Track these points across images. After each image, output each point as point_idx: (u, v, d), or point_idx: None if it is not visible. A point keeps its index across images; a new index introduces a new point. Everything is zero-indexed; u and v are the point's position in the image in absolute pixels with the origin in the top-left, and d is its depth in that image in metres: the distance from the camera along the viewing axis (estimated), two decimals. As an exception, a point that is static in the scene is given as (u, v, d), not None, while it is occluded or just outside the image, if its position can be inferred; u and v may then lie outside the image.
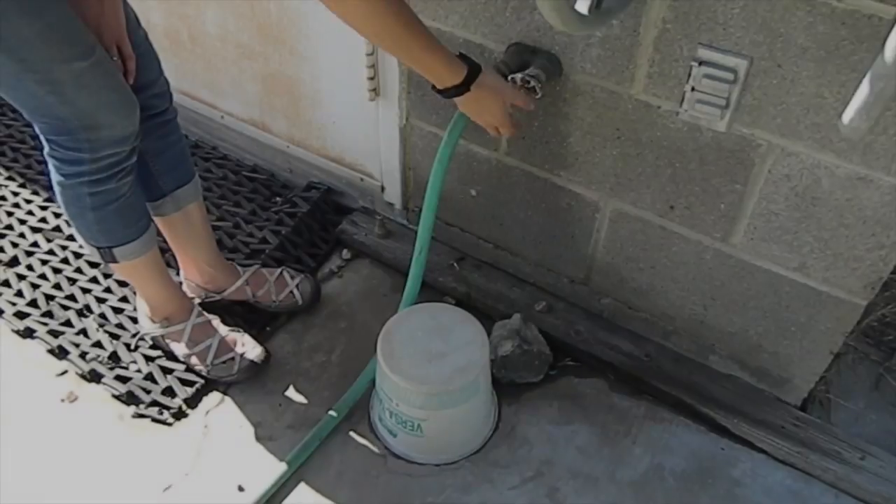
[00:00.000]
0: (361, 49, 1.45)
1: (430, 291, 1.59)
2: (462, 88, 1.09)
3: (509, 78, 1.20)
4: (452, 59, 1.07)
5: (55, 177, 1.20)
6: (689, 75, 1.09)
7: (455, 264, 1.61)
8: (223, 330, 1.47)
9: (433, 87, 1.11)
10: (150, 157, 1.34)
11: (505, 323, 1.44)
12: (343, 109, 1.63)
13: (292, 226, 1.74)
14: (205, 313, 1.48)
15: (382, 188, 1.70)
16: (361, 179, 1.72)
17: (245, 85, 1.77)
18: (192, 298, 1.53)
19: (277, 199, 1.84)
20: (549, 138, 1.34)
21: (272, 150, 1.87)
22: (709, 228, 1.25)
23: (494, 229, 1.55)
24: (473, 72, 1.09)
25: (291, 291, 1.56)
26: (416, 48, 1.02)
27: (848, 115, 0.77)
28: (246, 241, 1.73)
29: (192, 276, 1.53)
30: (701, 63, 1.07)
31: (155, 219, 1.41)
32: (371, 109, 1.57)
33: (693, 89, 1.10)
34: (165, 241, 1.49)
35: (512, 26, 1.24)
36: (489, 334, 1.38)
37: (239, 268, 1.56)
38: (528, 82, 1.19)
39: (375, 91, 1.51)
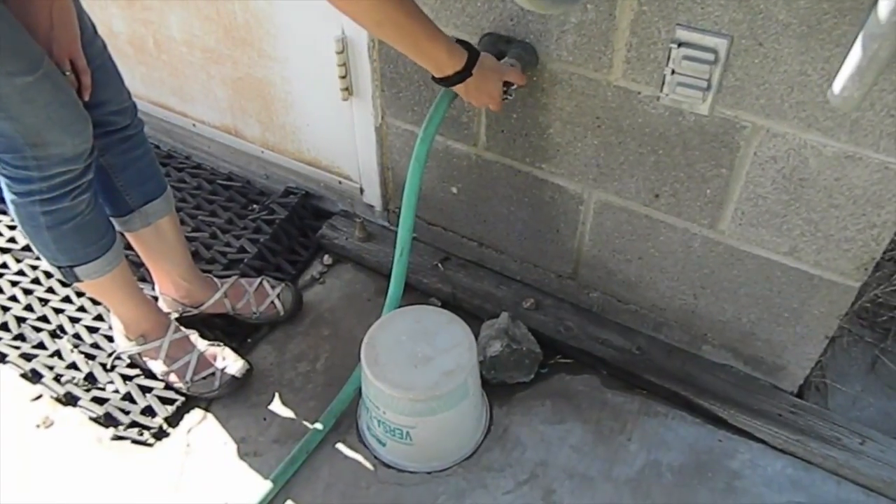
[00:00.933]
0: (331, 47, 1.41)
1: (415, 294, 1.57)
2: (465, 74, 1.07)
3: None
4: (453, 46, 1.05)
5: (7, 195, 1.15)
6: (669, 58, 1.06)
7: (439, 265, 1.58)
8: (202, 344, 1.43)
9: (433, 77, 1.08)
10: (114, 173, 1.29)
11: (493, 322, 1.42)
12: (316, 111, 1.59)
13: (270, 233, 1.70)
14: (182, 328, 1.44)
15: (361, 190, 1.66)
16: (339, 182, 1.69)
17: (215, 90, 1.72)
18: (169, 314, 1.48)
19: (254, 206, 1.80)
20: (528, 130, 1.30)
21: (247, 157, 1.83)
22: (696, 215, 1.23)
23: (478, 227, 1.53)
24: (474, 56, 1.07)
25: (272, 302, 1.52)
26: (420, 37, 0.99)
27: (839, 84, 0.72)
28: (223, 252, 1.69)
29: (168, 290, 1.48)
30: (680, 45, 1.04)
31: (125, 234, 1.37)
32: (345, 109, 1.53)
33: (673, 72, 1.07)
34: (139, 256, 1.45)
35: (484, 16, 1.21)
36: (477, 335, 1.37)
37: (216, 280, 1.52)
38: None
39: (348, 90, 1.47)
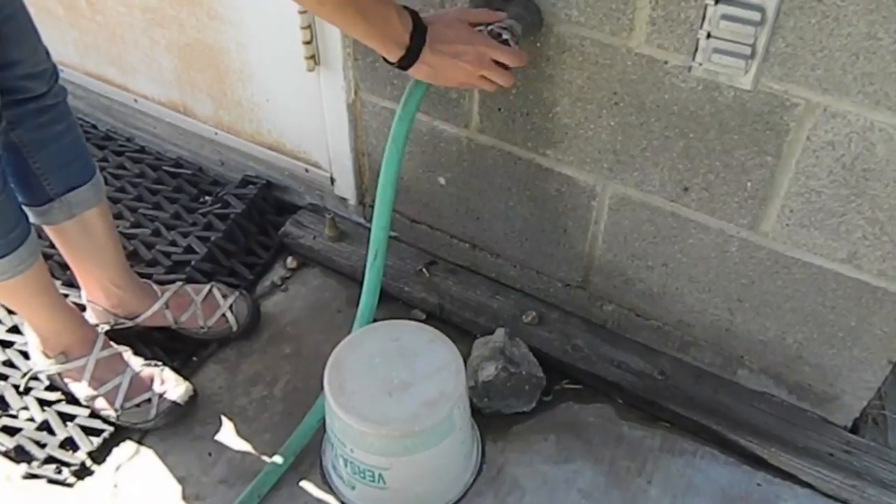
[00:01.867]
0: (292, 6, 1.31)
1: (394, 304, 1.53)
2: (412, 49, 1.01)
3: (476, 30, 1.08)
4: (401, 11, 0.99)
5: None
6: (704, 18, 1.00)
7: (424, 269, 1.54)
8: (136, 364, 1.37)
9: (386, 61, 1.04)
10: (29, 153, 1.22)
11: (487, 340, 1.37)
12: (278, 84, 1.53)
13: (224, 230, 1.64)
14: (113, 344, 1.37)
15: (332, 180, 1.60)
16: (306, 170, 1.63)
17: (159, 59, 1.65)
18: (97, 326, 1.41)
19: (206, 198, 1.75)
20: (530, 109, 1.25)
21: (198, 139, 1.76)
22: (733, 214, 1.17)
23: (470, 225, 1.48)
24: (418, 31, 1.01)
25: (224, 314, 1.46)
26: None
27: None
28: (167, 252, 1.62)
29: (97, 298, 1.41)
30: (718, 1, 0.98)
31: (44, 228, 1.31)
32: (311, 82, 1.46)
33: (709, 36, 1.01)
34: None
35: None
36: (467, 355, 1.34)
37: (156, 287, 1.45)
38: (500, 35, 1.08)
39: (314, 59, 1.40)
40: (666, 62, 1.08)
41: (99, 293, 1.40)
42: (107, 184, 1.73)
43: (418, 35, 1.01)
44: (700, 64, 1.04)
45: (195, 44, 1.56)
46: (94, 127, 1.92)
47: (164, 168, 1.80)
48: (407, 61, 1.02)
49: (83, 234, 1.31)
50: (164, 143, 1.85)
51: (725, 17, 0.97)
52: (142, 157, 1.84)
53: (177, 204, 1.71)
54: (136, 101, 1.79)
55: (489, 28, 1.08)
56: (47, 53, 1.19)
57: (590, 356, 1.40)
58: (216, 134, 1.71)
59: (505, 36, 1.08)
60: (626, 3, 1.06)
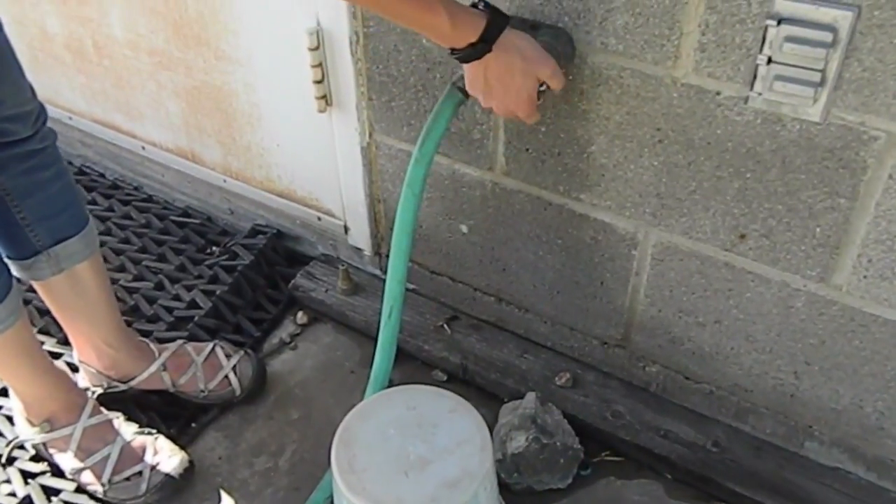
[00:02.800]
0: (302, 42, 1.25)
1: (412, 364, 1.44)
2: (480, 48, 0.92)
3: None
4: (461, 10, 0.91)
5: None
6: (764, 41, 0.89)
7: (445, 326, 1.45)
8: (127, 432, 1.27)
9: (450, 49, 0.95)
10: (13, 201, 1.15)
11: (516, 405, 1.29)
12: (288, 127, 1.46)
13: (230, 283, 1.55)
14: (103, 410, 1.28)
15: (346, 228, 1.52)
16: (319, 218, 1.55)
17: (166, 103, 1.58)
18: (89, 389, 1.33)
19: (214, 248, 1.67)
20: (562, 148, 1.16)
21: (207, 187, 1.69)
22: (799, 264, 1.06)
23: (495, 277, 1.39)
24: (498, 25, 0.93)
25: (226, 376, 1.36)
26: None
27: None
28: (169, 307, 1.54)
29: (89, 357, 1.33)
30: (780, 21, 0.87)
31: (31, 283, 1.23)
32: (323, 124, 1.38)
33: (770, 61, 0.90)
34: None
35: None
36: (494, 422, 1.27)
37: (154, 346, 1.37)
38: None
39: (325, 99, 1.32)
40: (718, 93, 0.97)
41: (90, 353, 1.31)
42: (111, 234, 1.69)
43: (496, 26, 0.92)
44: (759, 94, 0.93)
45: (202, 86, 1.49)
46: (102, 175, 1.86)
47: (172, 217, 1.73)
48: (477, 50, 0.92)
49: (73, 289, 1.23)
50: (172, 191, 1.79)
51: (790, 38, 0.86)
52: (149, 206, 1.78)
53: (183, 255, 1.64)
54: (143, 147, 1.73)
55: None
56: (33, 92, 1.11)
57: (632, 424, 1.29)
58: (225, 181, 1.63)
59: (534, 66, 0.97)
60: (670, 27, 0.95)
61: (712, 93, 0.97)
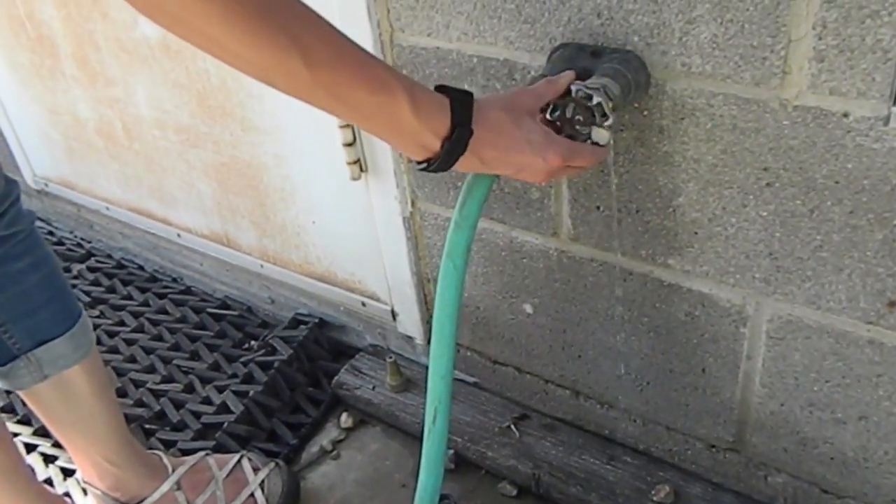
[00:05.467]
0: None
1: (474, 475, 1.23)
2: (456, 145, 0.72)
3: (550, 108, 0.82)
4: (422, 92, 0.70)
5: None
6: None
7: (512, 427, 1.26)
8: None
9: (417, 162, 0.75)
10: None
11: None
12: (323, 200, 1.32)
13: (265, 382, 1.38)
14: None
15: (394, 314, 1.35)
16: (363, 304, 1.38)
17: (197, 184, 1.49)
18: None
19: (251, 342, 1.53)
20: (640, 203, 0.97)
21: (245, 274, 1.57)
22: None
23: (570, 366, 1.20)
24: (460, 100, 0.71)
25: (252, 494, 1.18)
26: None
27: None
28: (198, 412, 1.38)
29: (89, 476, 1.17)
30: None
31: (19, 393, 1.08)
32: (359, 194, 1.23)
33: None
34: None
35: (553, 17, 0.91)
36: None
37: (167, 460, 1.20)
38: (590, 98, 0.79)
39: (359, 164, 1.17)
40: (846, 115, 0.76)
41: (91, 472, 1.14)
42: (143, 332, 1.56)
43: (462, 102, 0.71)
44: (905, 111, 0.71)
45: (231, 162, 1.38)
46: (141, 268, 1.77)
47: (209, 310, 1.60)
48: (456, 141, 0.71)
49: (62, 399, 1.07)
50: (211, 280, 1.67)
51: (949, 27, 0.64)
52: (186, 297, 1.66)
53: (217, 352, 1.49)
54: (179, 235, 1.62)
55: (576, 91, 0.79)
56: (2, 175, 0.96)
57: (758, 554, 1.01)
58: (262, 266, 1.49)
59: (597, 99, 0.79)
60: (773, 34, 0.75)
61: (838, 115, 0.76)
